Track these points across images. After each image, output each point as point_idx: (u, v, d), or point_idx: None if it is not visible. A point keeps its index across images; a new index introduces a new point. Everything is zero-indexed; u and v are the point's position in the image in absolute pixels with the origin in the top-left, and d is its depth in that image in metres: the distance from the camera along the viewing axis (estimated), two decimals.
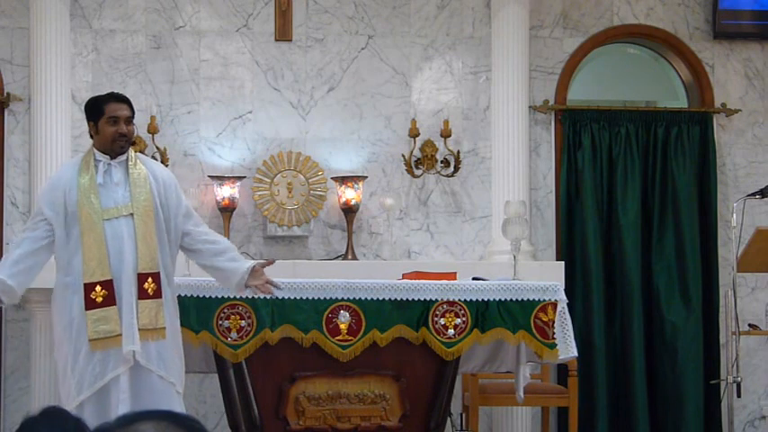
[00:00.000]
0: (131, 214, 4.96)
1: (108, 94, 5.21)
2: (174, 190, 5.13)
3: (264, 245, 7.27)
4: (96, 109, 5.08)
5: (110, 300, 4.88)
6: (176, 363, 5.05)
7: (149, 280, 4.93)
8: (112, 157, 5.03)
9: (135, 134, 5.28)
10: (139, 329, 4.89)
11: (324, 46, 7.41)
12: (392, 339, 5.57)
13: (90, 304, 4.87)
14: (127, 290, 4.90)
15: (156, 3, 7.29)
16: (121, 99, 5.12)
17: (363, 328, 5.53)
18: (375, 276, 6.20)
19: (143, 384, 4.92)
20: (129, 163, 5.05)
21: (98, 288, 4.87)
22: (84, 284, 4.88)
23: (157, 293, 4.95)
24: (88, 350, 4.88)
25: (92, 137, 5.11)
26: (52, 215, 4.95)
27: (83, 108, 6.78)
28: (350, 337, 5.52)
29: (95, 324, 4.86)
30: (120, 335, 4.87)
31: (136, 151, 5.25)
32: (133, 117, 5.13)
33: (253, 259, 7.10)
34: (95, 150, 5.05)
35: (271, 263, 5.24)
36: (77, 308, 4.90)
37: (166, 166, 7.01)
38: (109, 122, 5.02)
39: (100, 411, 4.77)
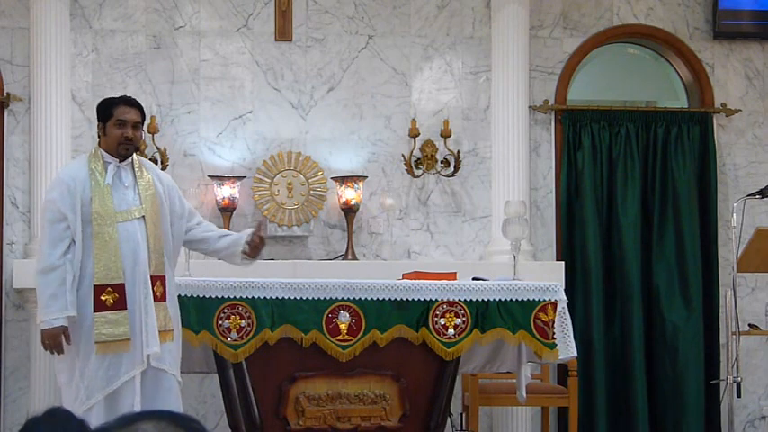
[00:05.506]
0: (143, 217, 4.96)
1: (120, 96, 5.20)
2: (177, 193, 5.19)
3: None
4: (106, 110, 5.07)
5: (121, 303, 4.85)
6: (180, 364, 5.10)
7: (158, 283, 4.94)
8: (121, 160, 5.03)
9: (142, 140, 5.26)
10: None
11: (324, 46, 7.41)
12: (392, 339, 5.56)
13: (99, 306, 4.84)
14: (141, 293, 4.89)
15: (156, 3, 7.29)
16: (132, 103, 5.10)
17: (363, 328, 5.52)
18: (375, 276, 6.20)
19: (157, 385, 4.92)
20: (135, 166, 5.06)
21: (108, 290, 4.85)
22: (94, 286, 4.86)
23: (164, 296, 4.97)
24: (97, 353, 4.86)
25: (99, 137, 5.12)
26: (73, 218, 4.91)
27: (83, 108, 6.77)
28: (350, 337, 5.52)
29: (103, 327, 4.83)
30: (130, 339, 4.86)
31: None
32: (143, 123, 5.13)
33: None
34: (103, 152, 5.04)
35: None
36: (89, 310, 4.88)
37: (166, 166, 7.04)
38: (116, 125, 5.01)
39: (111, 415, 4.69)
